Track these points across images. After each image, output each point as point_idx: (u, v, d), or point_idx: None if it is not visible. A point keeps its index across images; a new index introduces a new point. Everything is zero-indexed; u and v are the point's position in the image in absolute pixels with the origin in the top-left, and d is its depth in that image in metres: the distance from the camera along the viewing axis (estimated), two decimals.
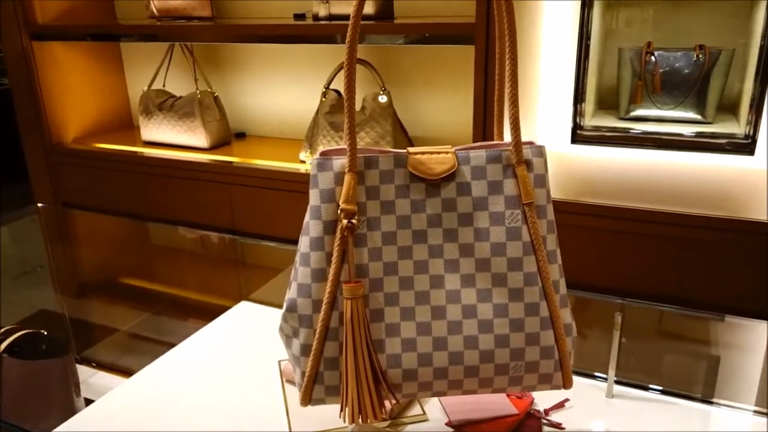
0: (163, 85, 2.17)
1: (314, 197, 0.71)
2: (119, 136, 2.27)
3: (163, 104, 2.11)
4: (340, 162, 0.71)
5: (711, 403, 0.94)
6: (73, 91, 2.22)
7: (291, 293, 0.72)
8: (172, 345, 1.10)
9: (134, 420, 0.91)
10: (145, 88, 2.14)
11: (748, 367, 1.14)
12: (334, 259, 0.69)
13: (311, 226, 0.70)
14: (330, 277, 0.69)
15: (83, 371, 1.23)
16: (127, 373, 1.05)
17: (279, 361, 1.02)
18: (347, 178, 0.70)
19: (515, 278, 0.70)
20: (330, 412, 0.89)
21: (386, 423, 0.88)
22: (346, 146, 0.71)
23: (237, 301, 1.26)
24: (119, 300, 2.08)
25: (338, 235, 0.69)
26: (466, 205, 0.71)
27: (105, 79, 2.34)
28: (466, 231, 0.71)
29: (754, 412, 0.92)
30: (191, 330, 1.15)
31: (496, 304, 0.70)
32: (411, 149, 0.73)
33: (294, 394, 0.94)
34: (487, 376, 0.71)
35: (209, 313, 1.23)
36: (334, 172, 0.70)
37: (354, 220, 0.69)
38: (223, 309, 1.24)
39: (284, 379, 0.97)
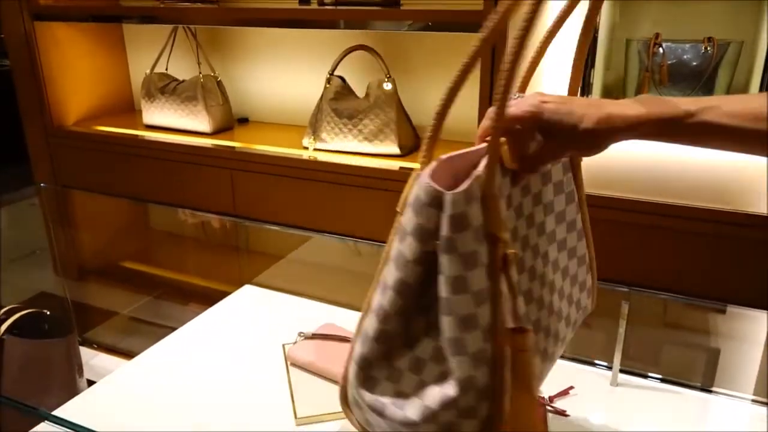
0: (166, 69, 2.15)
1: (445, 227, 0.52)
2: (121, 119, 2.25)
3: (165, 88, 2.10)
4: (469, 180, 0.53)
5: (710, 392, 0.95)
6: (75, 73, 2.20)
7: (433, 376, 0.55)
8: (174, 329, 1.10)
9: (137, 401, 0.91)
10: (148, 71, 2.12)
11: (747, 357, 1.15)
12: (491, 301, 0.53)
13: (448, 264, 0.52)
14: (490, 326, 0.53)
15: (85, 353, 1.22)
16: (129, 355, 1.04)
17: (283, 345, 1.02)
18: (491, 198, 0.52)
19: (581, 247, 0.72)
20: (333, 396, 0.89)
21: None
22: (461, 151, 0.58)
23: (239, 285, 1.25)
24: (120, 283, 2.08)
25: (491, 270, 0.52)
26: (549, 194, 0.67)
27: (107, 61, 2.32)
28: (549, 219, 0.66)
29: (753, 401, 0.92)
30: (192, 314, 1.15)
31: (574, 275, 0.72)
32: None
33: (298, 376, 0.94)
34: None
35: (211, 298, 1.22)
36: (466, 193, 0.52)
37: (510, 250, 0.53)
38: (224, 294, 1.23)
39: (288, 363, 0.97)
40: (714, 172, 1.54)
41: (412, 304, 0.55)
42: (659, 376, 0.97)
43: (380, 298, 0.56)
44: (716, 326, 1.23)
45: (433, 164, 0.54)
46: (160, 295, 1.95)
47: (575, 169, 0.71)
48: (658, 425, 0.86)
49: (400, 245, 0.55)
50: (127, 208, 2.06)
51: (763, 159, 1.52)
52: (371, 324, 0.57)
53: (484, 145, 0.58)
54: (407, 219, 0.54)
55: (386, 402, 0.57)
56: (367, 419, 0.61)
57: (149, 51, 2.24)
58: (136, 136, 2.07)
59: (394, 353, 0.57)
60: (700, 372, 1.10)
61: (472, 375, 0.53)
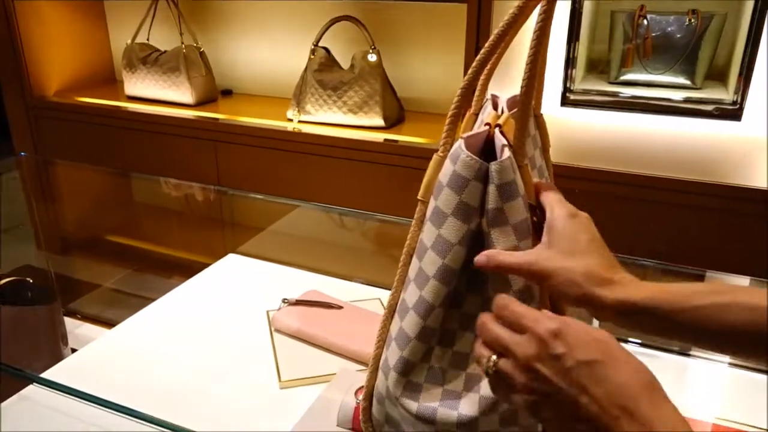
0: (147, 39, 2.12)
1: (494, 198, 0.52)
2: (102, 90, 2.22)
3: (147, 58, 2.07)
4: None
5: (689, 355, 0.97)
6: (54, 42, 2.16)
7: None
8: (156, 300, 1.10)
9: (122, 365, 0.92)
10: (129, 41, 2.09)
11: None
12: None
13: (500, 236, 0.52)
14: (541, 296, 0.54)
15: (69, 323, 1.22)
16: (113, 325, 1.05)
17: (267, 311, 1.02)
18: (524, 168, 0.54)
19: None
20: (317, 361, 0.90)
21: None
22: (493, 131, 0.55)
23: (223, 257, 1.25)
24: (103, 256, 2.07)
25: (535, 240, 0.54)
26: (539, 158, 0.67)
27: (87, 31, 2.28)
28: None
29: (729, 363, 0.95)
30: (176, 286, 1.15)
31: None
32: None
33: (282, 342, 0.95)
34: None
35: (195, 270, 1.22)
36: (510, 161, 0.52)
37: None
38: (209, 266, 1.23)
39: (272, 329, 0.98)
40: (700, 145, 1.56)
41: (456, 290, 0.54)
42: (637, 341, 0.99)
43: (417, 293, 0.54)
44: None
45: (461, 142, 0.53)
46: (143, 267, 1.94)
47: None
48: None
49: (440, 230, 0.53)
50: (110, 180, 2.04)
51: (749, 131, 1.54)
52: (411, 323, 0.54)
53: (485, 127, 0.57)
54: (445, 201, 0.52)
55: (435, 406, 0.55)
56: None
57: (130, 21, 2.20)
58: (118, 107, 2.04)
59: (433, 352, 0.55)
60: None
61: None
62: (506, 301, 0.48)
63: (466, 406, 0.54)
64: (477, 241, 0.53)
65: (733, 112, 1.50)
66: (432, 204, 0.54)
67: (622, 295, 0.48)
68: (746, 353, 0.48)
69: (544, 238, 0.52)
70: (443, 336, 0.55)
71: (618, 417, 0.41)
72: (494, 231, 0.52)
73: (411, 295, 0.55)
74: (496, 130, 0.55)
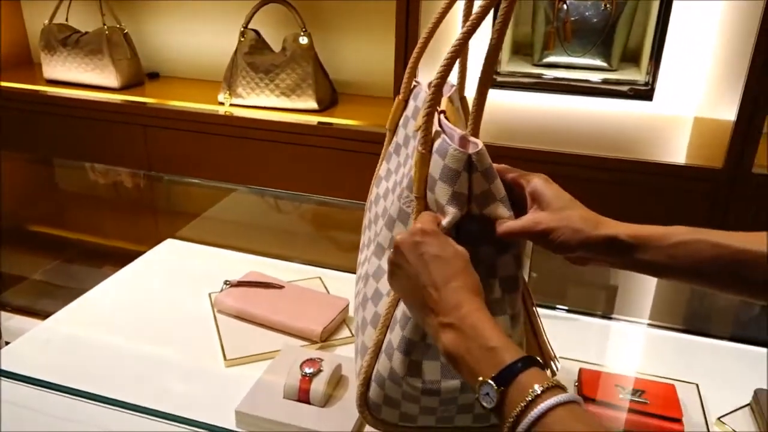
0: (66, 20, 2.03)
1: (481, 183, 0.58)
2: (18, 74, 2.11)
3: (67, 40, 1.98)
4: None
5: (611, 318, 1.05)
6: None
7: None
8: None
9: (60, 355, 0.90)
10: (46, 21, 2.00)
11: (642, 288, 1.26)
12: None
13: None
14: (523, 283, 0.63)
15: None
16: (47, 316, 1.02)
17: (209, 294, 1.03)
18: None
19: None
20: (260, 339, 0.92)
21: (318, 344, 0.92)
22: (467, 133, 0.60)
23: (159, 243, 1.24)
24: (28, 247, 1.98)
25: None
26: None
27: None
28: None
29: (649, 324, 1.03)
30: (111, 275, 1.13)
31: None
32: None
33: (226, 322, 0.96)
34: None
35: (129, 258, 1.20)
36: (485, 149, 0.58)
37: None
38: (142, 253, 1.21)
39: (215, 310, 0.99)
40: (617, 123, 1.66)
41: None
42: (564, 307, 1.07)
43: None
44: None
45: (444, 137, 0.58)
46: (73, 257, 1.88)
47: None
48: (571, 349, 0.93)
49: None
50: (32, 168, 1.95)
51: (660, 110, 1.65)
52: None
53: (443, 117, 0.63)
54: (441, 193, 0.58)
55: (438, 379, 0.60)
56: (406, 412, 0.63)
57: (45, 0, 2.09)
58: (38, 91, 1.95)
59: None
60: (599, 302, 1.20)
61: (509, 335, 0.57)
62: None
63: None
64: (464, 224, 0.58)
65: (646, 93, 1.60)
66: (429, 196, 0.60)
67: (612, 231, 0.57)
68: (711, 283, 0.57)
69: (533, 205, 0.60)
70: None
71: (434, 296, 0.53)
72: (487, 210, 0.58)
73: None
74: (441, 116, 0.61)
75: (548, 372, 0.70)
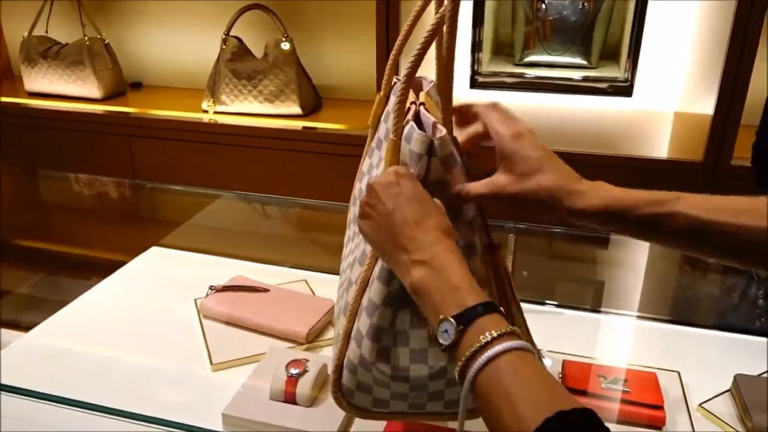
0: (46, 31, 2.02)
1: (439, 169, 0.59)
2: None
3: (47, 52, 1.97)
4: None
5: (599, 312, 1.06)
6: None
7: None
8: None
9: (45, 364, 0.90)
10: (26, 34, 1.99)
11: (631, 280, 1.27)
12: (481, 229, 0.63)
13: (445, 201, 0.58)
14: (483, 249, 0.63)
15: None
16: (32, 329, 1.02)
17: (195, 299, 1.03)
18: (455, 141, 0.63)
19: None
20: (246, 342, 0.92)
21: (304, 346, 0.92)
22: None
23: (144, 251, 1.24)
24: (10, 261, 1.97)
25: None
26: None
27: None
28: None
29: (637, 317, 1.04)
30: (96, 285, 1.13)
31: None
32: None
33: (212, 327, 0.96)
34: None
35: (115, 268, 1.20)
36: (448, 135, 0.60)
37: None
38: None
39: (201, 315, 0.99)
40: (597, 120, 1.67)
41: None
42: (553, 302, 1.07)
43: (381, 264, 0.60)
44: (602, 256, 1.35)
45: (412, 124, 0.59)
46: (58, 269, 1.87)
47: None
48: (558, 343, 0.93)
49: None
50: (14, 179, 1.94)
51: (639, 106, 1.67)
52: (377, 292, 0.60)
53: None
54: None
55: (407, 365, 0.60)
56: (378, 398, 0.63)
57: (24, 12, 2.09)
58: (19, 103, 1.95)
59: (397, 317, 0.60)
60: (588, 296, 1.21)
61: None
62: None
63: (433, 359, 0.60)
64: None
65: (625, 89, 1.62)
66: None
67: (579, 205, 0.55)
68: (689, 251, 0.57)
69: (501, 164, 0.58)
70: (404, 300, 0.60)
71: (407, 233, 0.53)
72: (438, 198, 0.58)
73: (376, 267, 0.61)
74: (421, 107, 0.62)
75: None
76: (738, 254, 0.55)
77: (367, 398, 0.64)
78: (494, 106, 0.61)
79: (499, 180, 0.58)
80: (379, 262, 0.61)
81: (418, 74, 0.67)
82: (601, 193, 0.56)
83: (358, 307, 0.62)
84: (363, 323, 0.61)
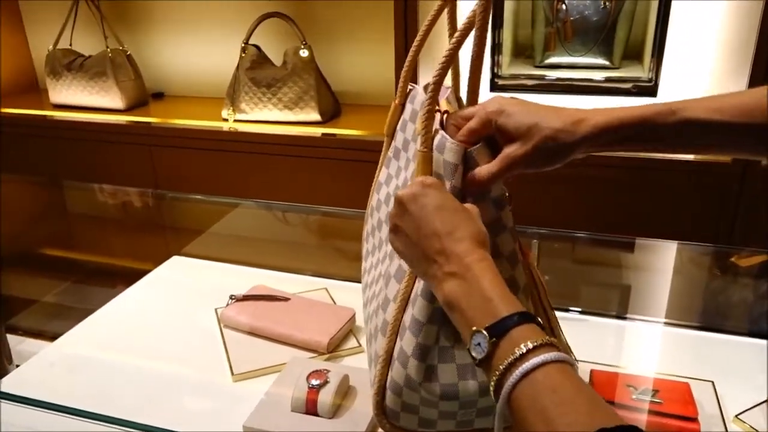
0: (70, 44, 2.06)
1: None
2: (25, 100, 2.14)
3: (71, 64, 2.00)
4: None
5: (625, 318, 1.03)
6: None
7: None
8: None
9: (68, 375, 0.90)
10: (50, 47, 2.02)
11: (658, 285, 1.24)
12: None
13: (486, 212, 0.58)
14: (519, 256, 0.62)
15: (11, 340, 1.18)
16: (57, 338, 1.02)
17: (216, 309, 1.02)
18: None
19: None
20: (268, 352, 0.91)
21: (325, 356, 0.91)
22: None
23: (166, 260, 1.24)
24: (39, 270, 2.00)
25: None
26: None
27: (4, 38, 2.19)
28: None
29: (665, 323, 1.01)
30: (120, 293, 1.13)
31: None
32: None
33: (232, 337, 0.95)
34: None
35: (138, 277, 1.21)
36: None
37: None
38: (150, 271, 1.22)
39: (222, 325, 0.98)
40: None
41: None
42: (577, 309, 1.05)
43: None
44: (627, 259, 1.33)
45: (442, 133, 0.59)
46: (83, 278, 1.89)
47: None
48: (584, 351, 0.91)
49: None
50: (42, 191, 1.97)
51: None
52: (421, 309, 0.58)
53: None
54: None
55: (456, 382, 0.59)
56: (424, 418, 0.62)
57: (50, 26, 2.12)
58: (45, 116, 1.98)
59: (440, 333, 0.59)
60: (613, 302, 1.18)
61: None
62: None
63: (482, 373, 0.58)
64: None
65: (650, 89, 1.59)
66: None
67: (585, 129, 0.56)
68: (700, 152, 0.59)
69: (503, 143, 0.58)
70: (446, 315, 0.59)
71: (437, 246, 0.52)
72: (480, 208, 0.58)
73: (418, 283, 0.60)
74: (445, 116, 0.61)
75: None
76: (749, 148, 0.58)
77: (413, 419, 0.62)
78: (462, 117, 0.61)
79: (506, 151, 0.57)
80: (418, 278, 0.60)
81: None
82: (602, 112, 0.57)
83: (399, 326, 0.61)
84: (407, 342, 0.59)
